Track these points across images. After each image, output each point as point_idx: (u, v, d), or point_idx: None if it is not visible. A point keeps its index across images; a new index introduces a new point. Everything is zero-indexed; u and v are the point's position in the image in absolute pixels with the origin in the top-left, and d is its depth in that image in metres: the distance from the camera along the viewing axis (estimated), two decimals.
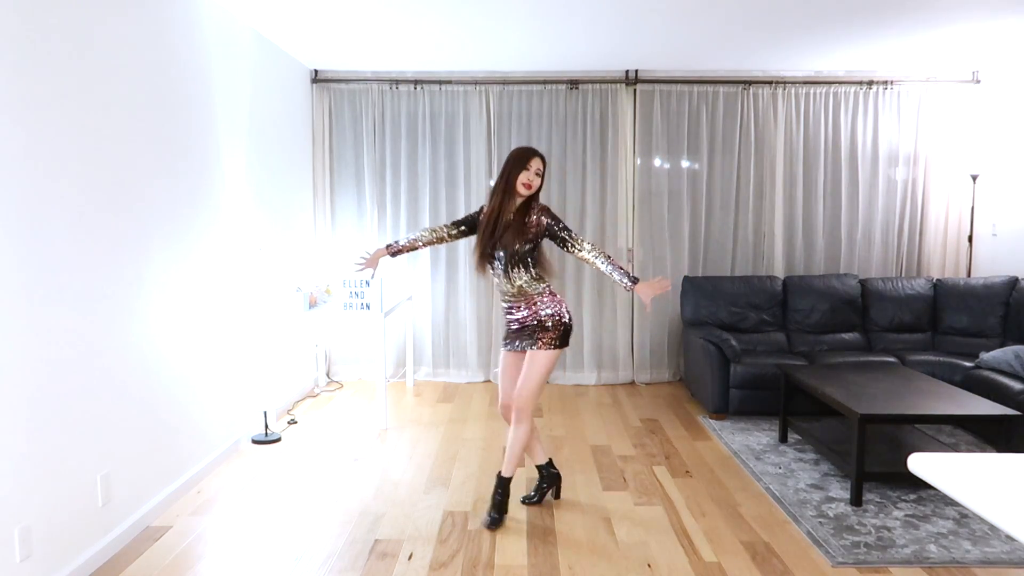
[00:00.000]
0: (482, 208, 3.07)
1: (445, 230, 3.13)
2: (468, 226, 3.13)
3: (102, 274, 2.70)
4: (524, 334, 3.03)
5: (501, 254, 2.97)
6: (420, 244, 3.16)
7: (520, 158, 2.95)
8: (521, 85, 5.43)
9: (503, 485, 3.08)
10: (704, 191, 5.53)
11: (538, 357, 2.99)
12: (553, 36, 4.45)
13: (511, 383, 3.10)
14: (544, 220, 2.98)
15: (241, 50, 4.07)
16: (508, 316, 3.08)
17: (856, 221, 5.56)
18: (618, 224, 5.54)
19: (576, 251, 2.99)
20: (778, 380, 4.41)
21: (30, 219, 2.31)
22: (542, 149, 5.43)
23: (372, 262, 3.20)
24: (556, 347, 3.00)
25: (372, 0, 3.73)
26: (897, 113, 5.49)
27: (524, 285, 3.00)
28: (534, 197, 2.99)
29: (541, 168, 2.97)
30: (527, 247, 2.96)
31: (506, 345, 3.14)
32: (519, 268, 2.98)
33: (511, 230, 2.94)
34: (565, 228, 3.00)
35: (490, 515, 3.03)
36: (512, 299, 3.04)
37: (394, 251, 3.17)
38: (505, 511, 3.08)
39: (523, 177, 2.92)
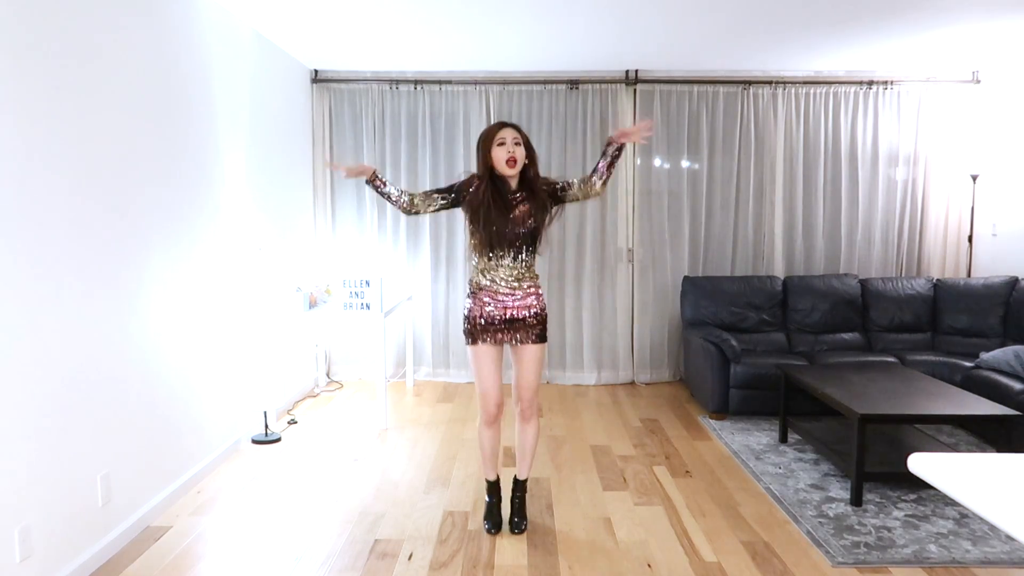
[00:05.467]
0: (460, 182, 2.82)
1: (421, 202, 2.81)
2: (448, 200, 2.82)
3: (102, 274, 2.71)
4: (517, 326, 2.81)
5: (521, 231, 2.74)
6: (393, 199, 2.82)
7: (487, 136, 2.71)
8: (521, 85, 5.43)
9: (522, 488, 3.04)
10: (704, 191, 5.53)
11: (539, 351, 2.87)
12: (553, 36, 4.45)
13: (498, 379, 2.87)
14: (546, 189, 2.80)
15: (241, 50, 4.07)
16: (503, 303, 2.79)
17: (856, 221, 5.56)
18: (618, 224, 5.54)
19: (578, 191, 2.79)
20: (778, 380, 4.40)
21: (30, 220, 2.31)
22: (542, 149, 5.43)
23: (354, 171, 2.83)
24: (545, 340, 2.90)
25: (372, 0, 3.73)
26: (897, 113, 5.49)
27: (529, 270, 2.83)
28: (531, 172, 2.77)
29: (519, 138, 2.71)
30: (547, 224, 2.80)
31: (485, 339, 2.80)
32: (531, 249, 2.81)
33: (536, 203, 2.75)
34: (560, 180, 2.83)
35: (519, 524, 2.96)
36: (515, 286, 2.80)
37: (376, 184, 2.81)
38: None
39: (500, 154, 2.67)
